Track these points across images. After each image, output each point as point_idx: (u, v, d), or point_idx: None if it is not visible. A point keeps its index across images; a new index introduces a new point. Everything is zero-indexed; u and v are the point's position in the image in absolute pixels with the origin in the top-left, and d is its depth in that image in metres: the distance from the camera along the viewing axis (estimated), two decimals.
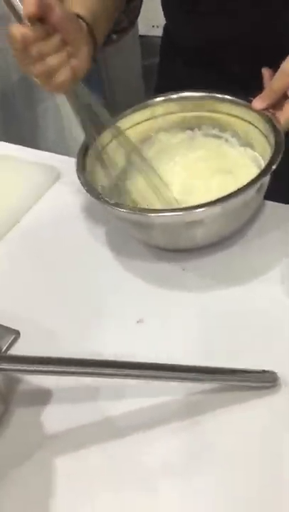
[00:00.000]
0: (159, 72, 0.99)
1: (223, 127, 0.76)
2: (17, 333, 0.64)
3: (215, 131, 0.77)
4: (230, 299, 0.65)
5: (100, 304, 0.67)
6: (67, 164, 0.85)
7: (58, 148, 1.36)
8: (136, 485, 0.51)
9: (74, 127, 1.40)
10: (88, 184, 0.67)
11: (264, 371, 0.55)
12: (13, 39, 0.60)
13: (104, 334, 0.63)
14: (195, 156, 0.78)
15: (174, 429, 0.54)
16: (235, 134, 0.76)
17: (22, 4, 0.59)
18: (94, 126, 0.71)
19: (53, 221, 0.80)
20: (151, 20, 1.85)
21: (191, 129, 0.78)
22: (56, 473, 0.52)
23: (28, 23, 0.59)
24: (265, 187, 0.67)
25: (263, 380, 0.55)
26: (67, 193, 0.83)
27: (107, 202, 0.64)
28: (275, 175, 0.64)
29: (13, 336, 0.63)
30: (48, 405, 0.58)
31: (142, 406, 0.56)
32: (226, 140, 0.77)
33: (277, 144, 0.65)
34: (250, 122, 0.72)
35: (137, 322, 0.64)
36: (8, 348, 0.62)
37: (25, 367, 0.51)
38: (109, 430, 0.55)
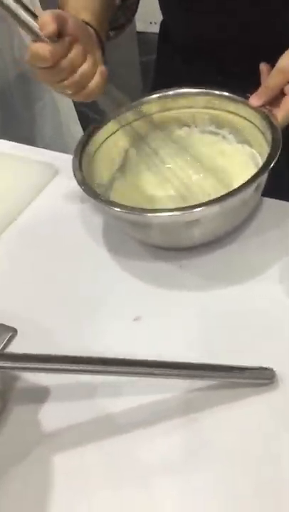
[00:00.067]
0: (157, 68, 0.99)
1: (220, 124, 0.76)
2: (14, 331, 0.63)
3: (212, 128, 0.77)
4: (228, 297, 0.65)
5: (97, 302, 0.67)
6: (65, 161, 0.85)
7: (56, 145, 1.36)
8: (134, 482, 0.51)
9: (72, 124, 1.40)
10: (85, 183, 0.67)
11: (262, 368, 0.55)
12: (41, 57, 0.59)
13: (102, 332, 0.63)
14: (192, 152, 0.78)
15: (173, 426, 0.54)
16: (232, 131, 0.75)
17: (37, 21, 0.59)
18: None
19: (50, 218, 0.79)
20: (149, 16, 1.85)
21: (188, 125, 0.78)
22: (54, 470, 0.53)
23: (47, 39, 0.59)
24: (263, 185, 0.67)
25: (260, 377, 0.55)
26: (64, 190, 0.83)
27: (104, 201, 0.64)
28: (273, 172, 0.64)
29: (10, 334, 0.63)
30: (45, 403, 0.58)
31: (140, 403, 0.56)
32: (223, 137, 0.76)
33: (274, 141, 0.65)
34: (247, 119, 0.71)
35: (134, 320, 0.64)
36: (5, 346, 0.62)
37: (22, 364, 0.51)
38: (108, 427, 0.55)
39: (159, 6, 0.88)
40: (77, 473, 0.52)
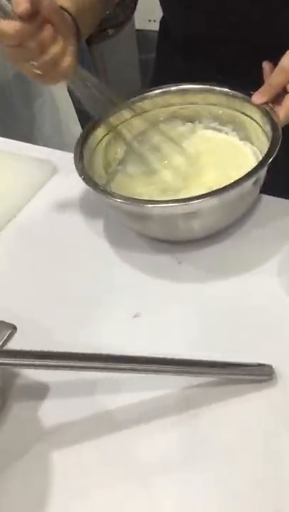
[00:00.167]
0: (156, 66, 0.99)
1: (223, 121, 0.76)
2: (13, 328, 0.63)
3: (215, 125, 0.77)
4: (226, 292, 0.65)
5: (97, 298, 0.67)
6: (64, 159, 0.85)
7: (55, 143, 1.36)
8: (133, 478, 0.51)
9: (71, 122, 1.40)
10: (85, 173, 0.67)
11: (260, 365, 0.56)
12: (7, 35, 0.58)
13: (102, 329, 0.63)
14: (194, 148, 0.78)
15: (172, 423, 0.54)
16: (235, 128, 0.76)
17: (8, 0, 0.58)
18: (103, 106, 0.71)
19: (49, 216, 0.79)
20: (148, 14, 1.85)
21: (192, 121, 0.78)
22: (54, 467, 0.53)
23: (17, 18, 0.58)
24: (262, 180, 0.68)
25: (259, 374, 0.56)
26: (63, 188, 0.83)
27: (103, 191, 0.65)
28: (272, 170, 0.64)
29: (10, 331, 0.63)
30: (45, 400, 0.58)
31: (139, 400, 0.56)
32: (226, 133, 0.77)
33: (274, 137, 0.65)
34: (249, 116, 0.72)
35: (134, 317, 0.64)
36: (4, 343, 0.62)
37: (22, 361, 0.51)
38: (107, 424, 0.55)
39: (158, 4, 0.88)
40: (77, 469, 0.52)
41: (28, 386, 0.59)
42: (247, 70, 0.71)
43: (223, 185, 0.61)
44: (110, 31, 0.79)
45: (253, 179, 0.62)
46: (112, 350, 0.52)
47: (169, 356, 0.54)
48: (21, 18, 0.58)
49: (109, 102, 0.72)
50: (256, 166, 0.63)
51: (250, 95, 0.70)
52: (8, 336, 0.62)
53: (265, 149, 0.65)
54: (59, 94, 1.35)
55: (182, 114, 0.78)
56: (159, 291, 0.66)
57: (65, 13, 0.66)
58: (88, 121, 0.75)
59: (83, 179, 0.66)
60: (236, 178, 0.62)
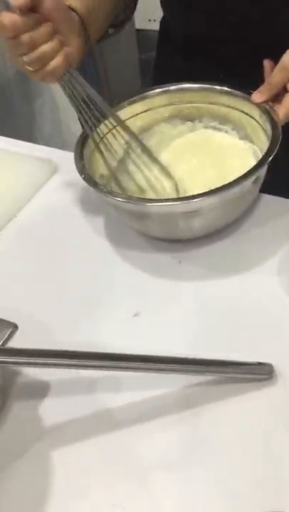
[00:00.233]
0: (156, 66, 0.99)
1: (223, 119, 0.76)
2: (14, 326, 0.64)
3: (215, 124, 0.77)
4: (226, 292, 0.65)
5: (97, 297, 0.67)
6: (64, 158, 0.85)
7: (55, 142, 1.36)
8: (133, 477, 0.51)
9: (71, 121, 1.40)
10: (85, 172, 0.67)
11: (260, 363, 0.56)
12: (3, 27, 0.59)
13: (102, 327, 0.63)
14: (194, 147, 0.78)
15: (172, 422, 0.54)
16: (235, 127, 0.76)
17: None
18: (93, 115, 0.71)
19: (49, 215, 0.80)
20: (148, 14, 1.85)
21: (192, 120, 0.78)
22: (54, 466, 0.53)
23: (18, 12, 0.59)
24: (262, 179, 0.68)
25: (259, 372, 0.56)
26: (64, 187, 0.83)
27: (103, 191, 0.65)
28: (273, 171, 0.64)
29: (11, 329, 0.63)
30: (45, 398, 0.58)
31: (139, 399, 0.56)
32: (226, 132, 0.77)
33: (274, 136, 0.65)
34: (249, 115, 0.72)
35: (134, 316, 0.64)
36: (5, 341, 0.62)
37: (23, 359, 0.51)
38: (107, 423, 0.55)
39: (158, 4, 0.88)
40: (77, 468, 0.53)
41: (29, 385, 0.59)
42: (247, 69, 0.71)
43: (222, 183, 0.61)
44: (110, 31, 0.79)
45: (253, 178, 0.63)
46: (112, 349, 0.53)
47: (169, 355, 0.54)
48: (20, 10, 0.59)
49: (101, 115, 0.72)
50: (256, 165, 0.63)
51: (249, 94, 0.70)
52: (9, 335, 0.62)
53: (265, 148, 0.65)
54: (59, 94, 1.35)
55: (182, 113, 0.78)
56: (159, 291, 0.67)
57: (73, 13, 0.66)
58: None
59: (83, 178, 0.66)
60: (236, 177, 0.62)
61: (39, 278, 0.71)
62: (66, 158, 0.84)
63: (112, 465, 0.52)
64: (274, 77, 0.67)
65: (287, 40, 0.66)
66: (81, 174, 0.67)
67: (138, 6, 0.84)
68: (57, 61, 0.64)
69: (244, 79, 0.70)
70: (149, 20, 1.95)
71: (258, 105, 0.70)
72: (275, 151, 0.63)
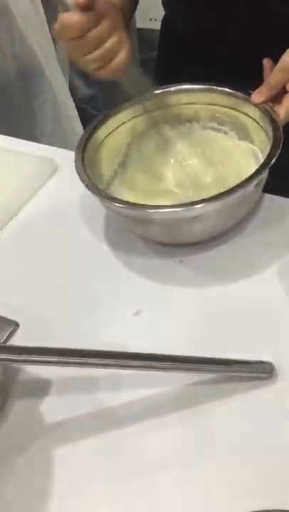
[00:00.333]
0: (157, 65, 0.99)
1: (222, 120, 0.76)
2: (16, 324, 0.64)
3: (214, 124, 0.77)
4: (227, 291, 0.65)
5: (98, 295, 0.67)
6: (65, 157, 0.86)
7: (56, 141, 1.36)
8: (134, 474, 0.52)
9: (72, 120, 1.40)
10: (87, 179, 0.67)
11: (261, 362, 0.56)
12: (69, 27, 0.60)
13: (103, 326, 0.64)
14: (193, 148, 0.78)
15: (172, 420, 0.55)
16: (234, 128, 0.76)
17: None
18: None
19: (50, 214, 0.80)
20: (149, 13, 1.85)
21: (190, 121, 0.78)
22: (55, 462, 0.53)
23: (75, 12, 0.60)
24: (264, 181, 0.67)
25: (260, 371, 0.56)
26: (65, 186, 0.83)
27: (105, 197, 0.65)
28: (274, 169, 0.64)
29: (12, 327, 0.63)
30: (47, 396, 0.58)
31: (140, 397, 0.57)
32: (225, 133, 0.77)
33: (275, 138, 0.65)
34: (248, 116, 0.72)
35: (135, 314, 0.64)
36: (7, 339, 0.62)
37: (24, 357, 0.51)
38: (108, 420, 0.56)
39: (158, 3, 0.88)
40: (77, 465, 0.53)
41: (30, 382, 0.59)
42: (248, 69, 0.71)
43: (223, 187, 0.61)
44: None
45: (255, 182, 0.62)
46: (113, 347, 0.53)
47: (170, 353, 0.54)
48: (81, 8, 0.59)
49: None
50: (258, 169, 0.63)
51: (249, 94, 0.70)
52: (10, 333, 0.63)
53: (266, 149, 0.65)
54: (60, 92, 1.35)
55: (181, 114, 0.78)
56: (160, 290, 0.67)
57: (117, 7, 0.68)
58: (89, 118, 0.76)
59: (85, 185, 0.66)
60: (236, 179, 0.62)
61: (40, 276, 0.71)
62: (67, 157, 0.83)
63: (113, 462, 0.53)
64: (273, 77, 0.67)
65: (287, 41, 0.66)
66: (83, 181, 0.67)
67: (139, 5, 0.84)
68: (121, 56, 0.65)
69: (245, 79, 0.70)
70: (150, 19, 1.95)
71: (258, 106, 0.69)
72: (277, 154, 0.63)
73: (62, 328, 0.63)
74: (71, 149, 0.72)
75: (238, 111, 0.73)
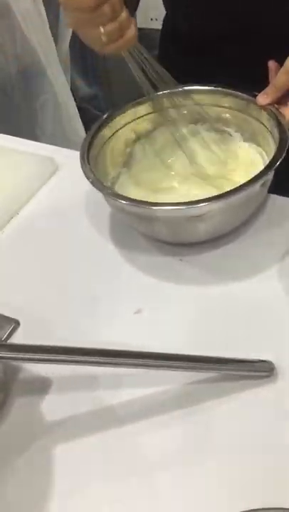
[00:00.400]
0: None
1: (227, 122, 0.76)
2: (16, 323, 0.64)
3: (218, 126, 0.77)
4: (228, 290, 0.65)
5: (99, 294, 0.67)
6: (66, 156, 0.86)
7: (57, 140, 1.36)
8: (134, 473, 0.52)
9: (73, 120, 1.40)
10: (92, 176, 0.67)
11: (261, 361, 0.56)
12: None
13: (104, 324, 0.64)
14: (199, 149, 0.78)
15: (172, 418, 0.55)
16: (239, 129, 0.76)
17: None
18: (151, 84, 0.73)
19: (51, 213, 0.80)
20: (150, 13, 1.85)
21: (195, 123, 0.78)
22: (55, 461, 0.53)
23: None
24: (269, 182, 0.67)
25: (259, 370, 0.56)
26: (65, 185, 0.83)
27: (110, 194, 0.65)
28: (279, 169, 0.64)
29: (13, 325, 0.63)
30: (47, 394, 0.58)
31: (140, 395, 0.57)
32: (230, 134, 0.77)
33: (281, 140, 0.65)
34: (254, 117, 0.72)
35: (135, 313, 0.64)
36: (8, 337, 0.62)
37: (24, 355, 0.51)
38: (108, 419, 0.56)
39: (159, 3, 0.88)
40: (78, 464, 0.53)
41: (30, 381, 0.59)
42: (250, 70, 0.71)
43: (228, 185, 0.61)
44: None
45: (261, 182, 0.62)
46: (113, 345, 0.53)
47: (170, 352, 0.54)
48: None
49: (160, 81, 0.73)
50: (263, 170, 0.63)
51: (254, 96, 0.70)
52: (11, 331, 0.63)
53: (271, 150, 0.65)
54: (61, 92, 1.35)
55: (186, 115, 0.78)
56: (161, 288, 0.67)
57: None
58: (90, 118, 0.76)
59: (91, 182, 0.66)
60: (241, 180, 0.62)
61: (41, 275, 0.71)
62: (68, 157, 0.84)
63: (113, 461, 0.53)
64: (279, 79, 0.67)
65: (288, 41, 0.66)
66: (88, 178, 0.67)
67: (139, 5, 0.84)
68: (131, 31, 0.66)
69: (247, 79, 0.70)
70: (151, 19, 1.95)
71: (264, 108, 0.69)
72: (283, 156, 0.63)
73: (63, 327, 0.63)
74: (72, 149, 0.72)
75: (243, 112, 0.73)
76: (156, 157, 0.78)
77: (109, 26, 0.63)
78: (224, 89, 0.74)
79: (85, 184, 0.67)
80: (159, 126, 0.78)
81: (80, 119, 1.44)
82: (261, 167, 0.65)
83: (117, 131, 0.75)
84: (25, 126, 1.35)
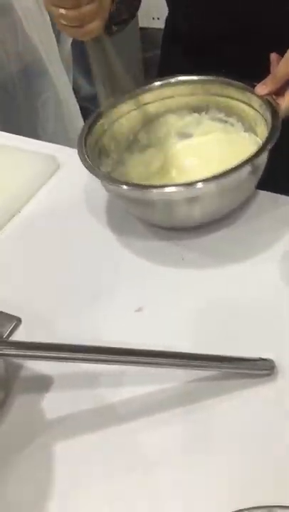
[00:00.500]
0: (161, 64, 0.99)
1: (229, 111, 0.77)
2: (18, 320, 0.64)
3: (221, 115, 0.78)
4: (229, 289, 0.65)
5: (100, 292, 0.67)
6: (68, 154, 0.86)
7: (58, 138, 1.36)
8: (135, 471, 0.52)
9: (74, 118, 1.40)
10: (87, 161, 0.68)
11: (261, 359, 0.56)
12: None
13: (104, 321, 0.64)
14: (200, 138, 0.78)
15: (173, 416, 0.55)
16: (240, 119, 0.76)
17: None
18: (112, 85, 0.74)
19: (53, 211, 0.80)
20: (152, 12, 1.86)
21: (198, 112, 0.79)
22: (56, 459, 0.53)
23: None
24: (260, 171, 0.68)
25: (260, 368, 0.56)
26: (67, 183, 0.83)
27: (104, 177, 0.65)
28: (270, 166, 0.64)
29: (14, 323, 0.64)
30: (48, 392, 0.58)
31: (141, 393, 0.57)
32: (232, 124, 0.77)
33: (273, 127, 0.65)
34: (253, 107, 0.72)
35: (136, 310, 0.64)
36: (9, 335, 0.63)
37: (26, 352, 0.52)
38: (109, 417, 0.56)
39: (161, 2, 0.88)
40: (78, 462, 0.53)
41: (32, 378, 0.59)
42: (250, 69, 0.71)
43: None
44: (114, 28, 0.80)
45: (250, 166, 0.63)
46: (114, 343, 0.53)
47: (171, 350, 0.54)
48: None
49: (121, 84, 0.74)
50: (255, 152, 0.63)
51: (253, 86, 0.71)
52: (12, 328, 0.63)
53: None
54: (63, 91, 1.35)
55: (189, 103, 0.78)
56: (162, 287, 0.67)
57: None
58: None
59: (87, 167, 0.67)
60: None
61: (42, 273, 0.71)
62: (69, 155, 0.84)
63: (114, 459, 0.53)
64: (279, 70, 0.68)
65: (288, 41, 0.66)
66: (84, 163, 0.67)
67: (142, 4, 0.85)
68: (96, 24, 0.67)
69: (248, 78, 0.71)
70: (153, 18, 1.95)
71: (261, 97, 0.70)
72: (275, 140, 0.63)
73: (64, 324, 0.64)
74: (73, 147, 0.72)
75: (244, 102, 0.74)
76: (158, 144, 0.78)
77: (73, 12, 0.65)
78: (225, 79, 0.75)
79: (87, 182, 0.67)
80: (164, 113, 0.79)
81: (81, 118, 1.44)
82: None
83: (120, 117, 0.75)
84: (26, 125, 1.35)
